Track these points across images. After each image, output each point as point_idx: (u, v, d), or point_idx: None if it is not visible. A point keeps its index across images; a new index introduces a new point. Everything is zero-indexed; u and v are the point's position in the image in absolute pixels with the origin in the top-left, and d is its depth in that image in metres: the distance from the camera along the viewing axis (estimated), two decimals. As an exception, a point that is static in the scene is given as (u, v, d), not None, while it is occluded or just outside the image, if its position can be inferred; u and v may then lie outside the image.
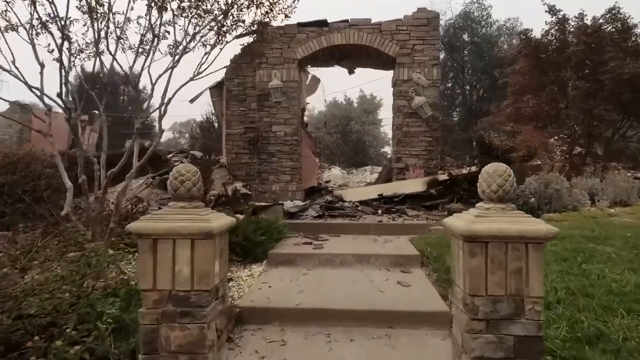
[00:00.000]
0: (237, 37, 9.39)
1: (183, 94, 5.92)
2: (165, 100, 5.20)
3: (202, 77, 5.55)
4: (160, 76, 5.37)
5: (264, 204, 7.58)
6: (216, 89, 10.42)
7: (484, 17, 30.40)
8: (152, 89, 5.45)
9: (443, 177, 8.31)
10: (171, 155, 10.46)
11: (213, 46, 5.69)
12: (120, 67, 5.69)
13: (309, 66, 10.50)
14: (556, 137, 12.08)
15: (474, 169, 7.94)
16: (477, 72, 28.99)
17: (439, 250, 5.14)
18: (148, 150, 5.35)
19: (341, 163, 36.47)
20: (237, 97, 10.04)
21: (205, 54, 5.58)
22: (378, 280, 4.36)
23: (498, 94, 26.39)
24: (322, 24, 9.27)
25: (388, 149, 46.74)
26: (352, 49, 9.52)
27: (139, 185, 8.66)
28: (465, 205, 7.41)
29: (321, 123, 44.63)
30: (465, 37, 30.21)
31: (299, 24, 9.32)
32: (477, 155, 7.28)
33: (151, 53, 5.42)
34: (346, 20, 9.24)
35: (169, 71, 5.31)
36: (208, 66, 6.09)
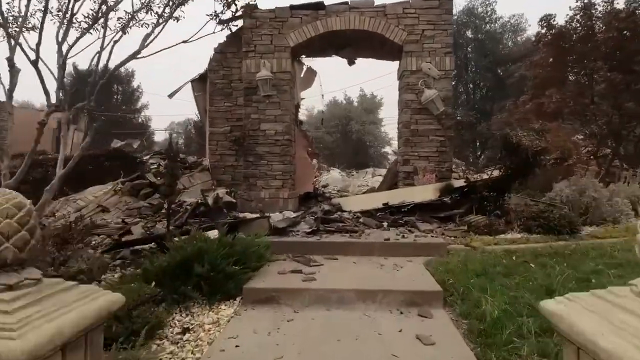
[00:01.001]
0: (222, 22, 8.24)
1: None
2: (98, 78, 4.04)
3: (152, 54, 4.37)
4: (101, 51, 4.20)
5: (248, 215, 6.39)
6: (199, 83, 9.23)
7: (488, 13, 29.28)
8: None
9: (459, 183, 7.13)
10: (147, 157, 9.28)
11: (165, 18, 4.53)
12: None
13: (304, 56, 9.31)
14: (581, 136, 10.89)
15: (495, 172, 6.77)
16: (481, 69, 27.88)
17: (464, 281, 3.97)
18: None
19: (341, 164, 35.30)
20: (221, 91, 8.86)
21: (156, 25, 4.41)
22: (389, 333, 3.17)
23: (503, 92, 25.31)
24: (318, 6, 8.07)
25: (389, 149, 45.60)
26: (352, 35, 8.33)
27: (106, 192, 7.48)
28: (487, 218, 6.24)
29: (320, 122, 43.60)
30: (469, 33, 29.08)
31: (292, 7, 8.13)
32: (501, 157, 6.10)
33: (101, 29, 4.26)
34: (346, 3, 8.04)
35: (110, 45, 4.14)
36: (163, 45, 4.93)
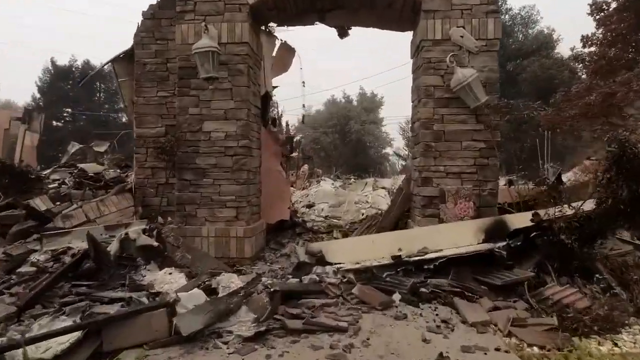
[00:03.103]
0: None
1: None
2: None
3: None
4: None
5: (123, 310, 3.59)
6: (124, 63, 6.40)
7: (498, 4, 26.50)
8: None
9: (521, 218, 4.29)
10: (49, 171, 6.45)
11: None
12: None
13: (274, 24, 6.49)
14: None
15: (580, 205, 3.92)
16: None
17: None
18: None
19: (339, 166, 32.53)
20: (153, 74, 6.03)
21: None
22: None
23: (514, 89, 22.57)
24: (290, -58, 5.27)
25: (390, 150, 42.97)
26: (343, -11, 5.52)
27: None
28: (581, 287, 3.46)
29: (319, 123, 40.80)
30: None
31: (251, -57, 5.32)
32: (610, 176, 3.30)
33: None
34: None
35: None
36: None
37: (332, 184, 11.75)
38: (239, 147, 5.29)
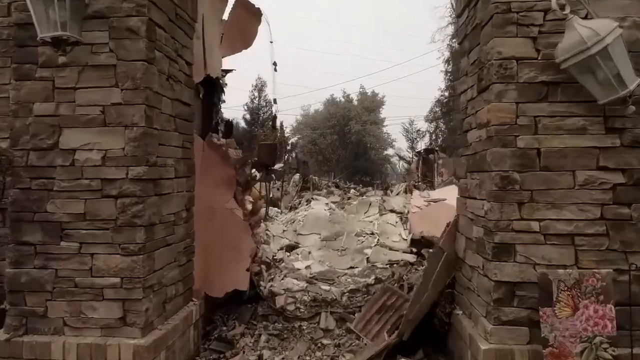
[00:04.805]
0: None
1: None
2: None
3: None
4: None
5: None
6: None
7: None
8: None
9: None
10: None
11: None
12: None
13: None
14: None
15: None
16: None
17: None
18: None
19: (338, 172, 29.94)
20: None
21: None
22: None
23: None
24: None
25: (391, 151, 40.46)
26: None
27: None
28: None
29: (318, 123, 38.11)
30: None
31: None
32: None
33: None
34: None
35: None
36: None
37: (327, 203, 9.12)
38: (129, 181, 2.68)
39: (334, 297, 4.08)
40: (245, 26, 4.35)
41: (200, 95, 4.12)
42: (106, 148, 2.70)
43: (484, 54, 2.74)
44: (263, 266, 4.43)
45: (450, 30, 24.39)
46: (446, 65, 24.62)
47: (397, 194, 12.19)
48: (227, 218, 3.92)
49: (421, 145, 32.15)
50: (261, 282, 4.15)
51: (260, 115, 34.02)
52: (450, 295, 3.36)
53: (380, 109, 38.35)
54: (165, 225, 3.00)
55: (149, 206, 2.74)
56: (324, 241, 7.26)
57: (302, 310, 3.82)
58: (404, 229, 7.62)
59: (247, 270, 3.98)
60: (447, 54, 24.51)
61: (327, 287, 4.34)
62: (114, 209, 2.68)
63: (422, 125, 33.87)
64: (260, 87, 34.54)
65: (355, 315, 3.76)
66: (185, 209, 3.34)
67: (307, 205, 9.05)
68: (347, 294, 4.22)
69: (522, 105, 2.57)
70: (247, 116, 34.24)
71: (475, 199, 2.90)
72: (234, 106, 31.28)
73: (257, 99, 34.63)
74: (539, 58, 2.56)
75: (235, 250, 3.93)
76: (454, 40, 24.83)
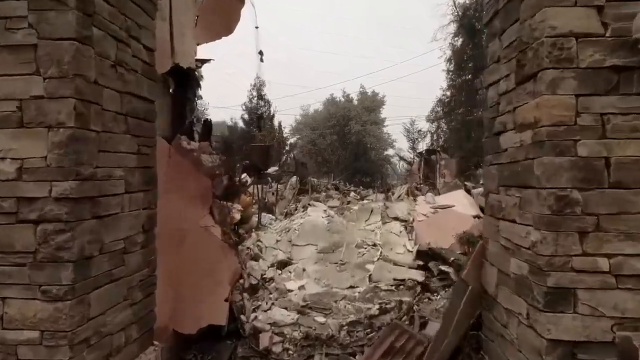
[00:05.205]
0: None
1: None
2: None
3: None
4: None
5: None
6: None
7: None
8: None
9: None
10: None
11: None
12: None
13: None
14: None
15: None
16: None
17: None
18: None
19: (337, 173, 29.24)
20: None
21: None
22: None
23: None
24: None
25: (392, 152, 39.80)
26: None
27: None
28: None
29: (318, 123, 37.46)
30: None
31: None
32: None
33: None
34: None
35: None
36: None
37: (325, 210, 8.44)
38: (53, 201, 2.00)
39: (331, 333, 3.38)
40: (225, 8, 3.66)
41: (170, 90, 3.43)
42: (23, 157, 2.01)
43: (527, 31, 2.05)
44: (245, 294, 3.73)
45: (452, 28, 23.74)
46: (448, 64, 23.97)
47: (399, 197, 11.51)
48: (201, 239, 3.24)
49: (422, 146, 31.47)
50: (242, 315, 3.46)
51: (262, 115, 33.32)
52: (475, 339, 2.68)
53: (381, 109, 37.87)
54: (110, 255, 2.31)
55: (80, 234, 2.05)
56: (321, 253, 6.58)
57: (291, 352, 3.12)
58: (409, 239, 6.95)
59: (226, 300, 3.29)
60: (449, 52, 23.87)
61: (322, 319, 3.63)
62: (32, 238, 2.00)
63: (423, 125, 33.18)
64: (259, 87, 33.83)
65: (357, 357, 3.06)
66: (142, 231, 2.66)
67: (303, 211, 8.37)
68: (347, 327, 3.52)
69: (584, 98, 1.89)
70: (246, 116, 33.53)
71: (514, 222, 2.21)
72: (233, 106, 30.57)
73: (255, 98, 33.90)
74: (608, 35, 1.88)
75: (211, 278, 3.24)
76: (455, 39, 24.22)
